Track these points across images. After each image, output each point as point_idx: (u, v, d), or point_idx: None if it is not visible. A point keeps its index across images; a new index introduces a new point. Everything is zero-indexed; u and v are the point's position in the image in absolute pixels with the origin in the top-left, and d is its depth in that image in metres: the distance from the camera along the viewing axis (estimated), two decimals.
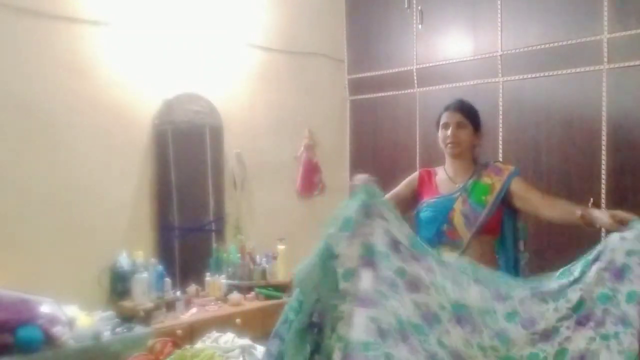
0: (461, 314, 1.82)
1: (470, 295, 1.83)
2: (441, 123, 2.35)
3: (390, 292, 1.82)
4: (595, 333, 1.82)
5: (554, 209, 2.17)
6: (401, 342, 1.76)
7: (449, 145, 2.31)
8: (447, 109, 2.35)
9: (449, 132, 2.30)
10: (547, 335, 1.84)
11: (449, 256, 2.08)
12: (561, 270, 1.87)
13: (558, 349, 1.83)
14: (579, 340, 1.83)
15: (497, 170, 2.31)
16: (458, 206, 2.24)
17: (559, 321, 1.84)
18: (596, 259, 1.83)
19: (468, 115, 2.32)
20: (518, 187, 2.25)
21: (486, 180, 2.28)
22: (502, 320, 1.83)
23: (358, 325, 1.78)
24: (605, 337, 1.81)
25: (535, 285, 1.87)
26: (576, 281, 1.83)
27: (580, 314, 1.84)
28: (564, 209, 2.14)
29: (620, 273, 1.82)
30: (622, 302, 1.81)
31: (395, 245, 1.86)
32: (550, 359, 1.83)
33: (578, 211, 2.02)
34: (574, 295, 1.85)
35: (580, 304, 1.84)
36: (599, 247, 1.84)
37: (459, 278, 1.83)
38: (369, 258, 1.86)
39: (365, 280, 1.84)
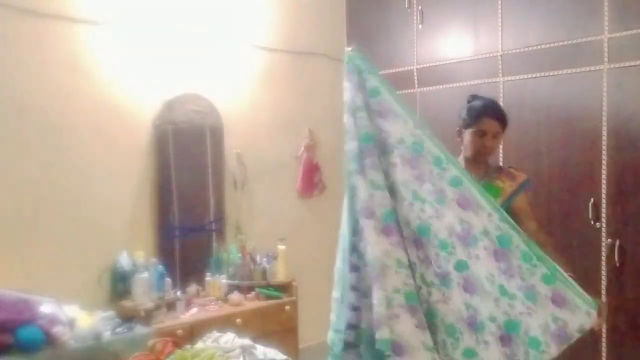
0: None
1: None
2: (478, 128, 2.26)
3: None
4: (500, 277, 1.87)
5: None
6: None
7: (482, 153, 2.28)
8: (486, 114, 2.26)
9: (486, 141, 2.25)
10: (466, 235, 1.88)
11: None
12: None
13: (464, 258, 1.89)
14: (484, 267, 1.87)
15: (511, 176, 2.32)
16: None
17: (482, 233, 1.88)
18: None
19: (503, 123, 2.29)
20: (519, 208, 2.26)
21: (498, 183, 2.28)
22: (447, 181, 1.92)
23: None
24: (503, 290, 1.87)
25: None
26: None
27: (503, 248, 1.87)
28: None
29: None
30: (536, 276, 1.86)
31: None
32: (452, 258, 1.89)
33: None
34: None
35: (507, 240, 1.88)
36: None
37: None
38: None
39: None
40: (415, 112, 2.08)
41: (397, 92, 2.07)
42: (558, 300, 1.86)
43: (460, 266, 1.89)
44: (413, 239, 1.92)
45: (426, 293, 1.91)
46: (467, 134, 2.30)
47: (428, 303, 1.91)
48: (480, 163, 2.32)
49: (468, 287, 1.88)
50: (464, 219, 1.89)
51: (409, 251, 1.91)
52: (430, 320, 1.90)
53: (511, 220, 1.93)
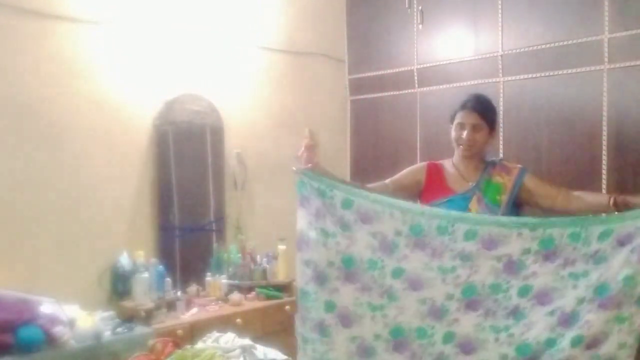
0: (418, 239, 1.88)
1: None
2: (456, 122, 2.27)
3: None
4: (564, 270, 1.83)
5: (578, 202, 2.11)
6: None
7: (463, 147, 2.26)
8: (463, 107, 2.26)
9: (464, 134, 2.24)
10: (511, 266, 1.85)
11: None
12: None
13: (523, 283, 1.85)
14: (545, 275, 1.84)
15: (506, 169, 2.29)
16: (473, 206, 2.19)
17: (524, 254, 1.84)
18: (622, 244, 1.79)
19: (485, 115, 2.25)
20: (534, 184, 2.23)
21: (497, 179, 2.25)
22: (461, 240, 1.86)
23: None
24: (574, 276, 1.82)
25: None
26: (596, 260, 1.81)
27: (549, 250, 1.84)
28: (590, 201, 2.09)
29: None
30: (593, 241, 1.81)
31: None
32: (513, 291, 1.85)
33: (609, 199, 1.99)
34: (390, 312, 1.90)
35: (549, 239, 1.83)
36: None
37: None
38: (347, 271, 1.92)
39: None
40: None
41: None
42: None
43: (396, 272, 1.90)
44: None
45: (390, 315, 1.92)
46: (451, 130, 2.31)
47: (395, 324, 1.92)
48: (471, 158, 2.29)
49: (414, 285, 1.90)
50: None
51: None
52: (402, 336, 1.92)
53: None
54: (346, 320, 1.92)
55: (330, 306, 1.92)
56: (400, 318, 1.91)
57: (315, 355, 1.95)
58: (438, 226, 1.87)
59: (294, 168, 2.00)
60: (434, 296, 1.88)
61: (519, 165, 2.32)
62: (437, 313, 1.89)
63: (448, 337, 1.90)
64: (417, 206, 2.12)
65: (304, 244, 1.94)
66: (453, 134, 2.29)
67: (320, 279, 1.91)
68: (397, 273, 1.90)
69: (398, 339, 1.92)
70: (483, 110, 2.26)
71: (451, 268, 1.88)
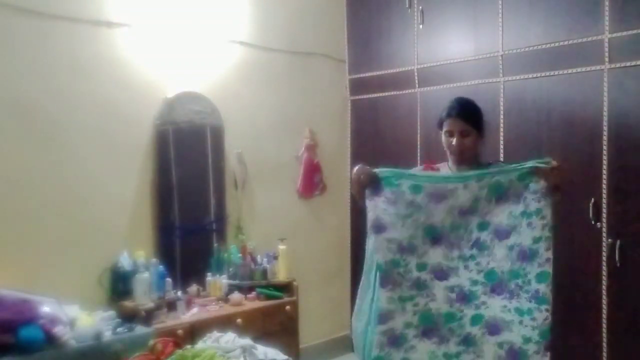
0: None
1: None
2: (444, 130, 2.30)
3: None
4: (510, 304, 2.04)
5: None
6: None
7: (454, 153, 2.29)
8: (448, 115, 2.28)
9: (453, 141, 2.26)
10: (463, 296, 2.09)
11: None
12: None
13: (475, 312, 2.07)
14: (495, 306, 2.05)
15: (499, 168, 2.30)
16: None
17: (473, 285, 2.08)
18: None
19: (471, 120, 2.26)
20: None
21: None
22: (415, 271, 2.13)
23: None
24: (519, 312, 2.02)
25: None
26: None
27: (494, 283, 2.07)
28: None
29: (528, 256, 2.05)
30: (532, 280, 2.03)
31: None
32: (466, 320, 2.08)
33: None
34: (483, 260, 2.09)
35: (492, 272, 2.08)
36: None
37: None
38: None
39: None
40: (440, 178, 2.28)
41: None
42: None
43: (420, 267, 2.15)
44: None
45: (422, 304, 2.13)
46: (441, 136, 2.34)
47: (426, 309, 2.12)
48: (464, 163, 2.30)
49: (439, 275, 2.13)
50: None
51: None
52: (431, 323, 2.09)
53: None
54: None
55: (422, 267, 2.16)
56: (431, 305, 2.10)
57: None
58: (492, 187, 2.15)
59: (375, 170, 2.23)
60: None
61: None
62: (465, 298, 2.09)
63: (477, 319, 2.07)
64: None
65: (382, 227, 2.13)
66: (443, 140, 2.33)
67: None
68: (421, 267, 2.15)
69: (427, 325, 2.09)
70: (468, 115, 2.27)
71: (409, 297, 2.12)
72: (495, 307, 2.04)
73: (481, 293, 2.07)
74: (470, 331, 2.05)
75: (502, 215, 2.10)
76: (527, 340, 1.97)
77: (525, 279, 2.02)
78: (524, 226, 2.05)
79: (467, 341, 2.04)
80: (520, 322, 2.00)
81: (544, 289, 2.00)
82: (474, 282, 2.08)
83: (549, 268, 2.02)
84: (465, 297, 2.07)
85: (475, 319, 2.05)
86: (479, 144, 2.32)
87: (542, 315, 1.98)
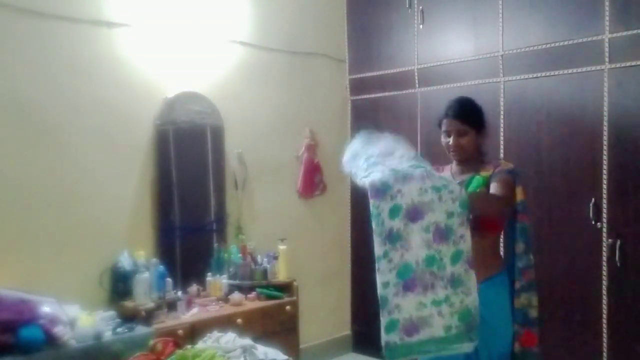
0: None
1: None
2: (443, 130, 2.32)
3: None
4: (425, 298, 1.87)
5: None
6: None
7: (452, 153, 2.30)
8: (446, 115, 2.30)
9: (450, 140, 2.28)
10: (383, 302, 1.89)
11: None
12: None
13: (388, 318, 1.88)
14: (410, 307, 1.87)
15: (496, 164, 2.31)
16: None
17: (384, 287, 1.88)
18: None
19: (468, 120, 2.27)
20: (493, 183, 2.20)
21: (483, 173, 2.26)
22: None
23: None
24: (436, 303, 1.87)
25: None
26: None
27: (407, 279, 1.88)
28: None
29: (443, 235, 1.88)
30: (447, 264, 1.88)
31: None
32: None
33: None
34: (395, 255, 1.88)
35: (406, 267, 1.88)
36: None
37: None
38: None
39: None
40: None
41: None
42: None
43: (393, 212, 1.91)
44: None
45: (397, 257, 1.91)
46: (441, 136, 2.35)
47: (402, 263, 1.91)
48: (464, 162, 2.31)
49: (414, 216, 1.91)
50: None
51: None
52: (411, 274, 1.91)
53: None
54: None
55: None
56: (406, 256, 1.89)
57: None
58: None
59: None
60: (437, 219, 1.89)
61: (511, 165, 2.31)
62: (443, 234, 1.90)
63: (456, 257, 1.91)
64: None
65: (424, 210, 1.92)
66: (442, 140, 2.34)
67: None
68: (395, 212, 1.89)
69: (406, 279, 1.89)
70: (465, 115, 2.28)
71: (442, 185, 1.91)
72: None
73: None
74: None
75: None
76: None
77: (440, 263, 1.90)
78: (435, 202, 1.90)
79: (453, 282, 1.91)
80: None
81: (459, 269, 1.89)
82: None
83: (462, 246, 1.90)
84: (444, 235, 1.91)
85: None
86: (480, 143, 2.32)
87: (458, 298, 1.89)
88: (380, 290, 1.89)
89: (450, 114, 2.28)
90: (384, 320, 1.89)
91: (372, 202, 1.89)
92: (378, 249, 1.90)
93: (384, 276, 1.89)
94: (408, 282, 1.88)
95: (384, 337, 1.89)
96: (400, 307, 1.88)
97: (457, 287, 1.90)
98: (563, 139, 3.34)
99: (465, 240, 1.91)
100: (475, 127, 2.28)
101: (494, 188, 2.19)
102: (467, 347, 1.92)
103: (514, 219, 2.26)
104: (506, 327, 2.22)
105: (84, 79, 3.17)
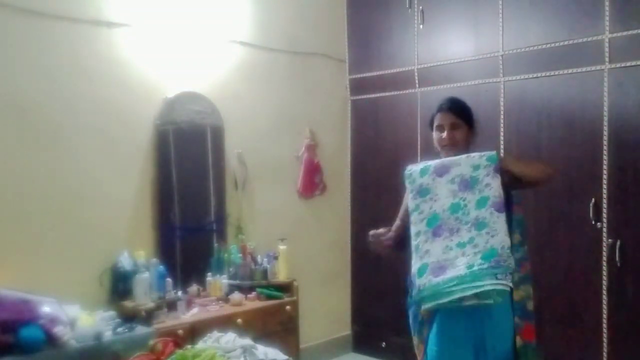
0: None
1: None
2: (435, 125, 2.36)
3: None
4: (451, 242, 2.05)
5: None
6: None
7: (445, 147, 2.32)
8: (439, 110, 2.36)
9: (444, 134, 2.31)
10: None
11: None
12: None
13: (420, 263, 2.07)
14: (437, 251, 2.06)
15: None
16: None
17: (417, 236, 2.10)
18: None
19: (461, 114, 2.33)
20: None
21: None
22: None
23: None
24: (461, 245, 2.03)
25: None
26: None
27: (435, 227, 2.09)
28: None
29: (468, 185, 2.06)
30: (472, 209, 2.04)
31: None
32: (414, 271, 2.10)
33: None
34: (425, 206, 2.11)
35: (434, 216, 2.09)
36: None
37: None
38: None
39: None
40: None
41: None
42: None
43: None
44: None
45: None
46: (432, 135, 2.39)
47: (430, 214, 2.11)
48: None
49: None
50: None
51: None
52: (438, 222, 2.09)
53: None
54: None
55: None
56: (434, 207, 2.10)
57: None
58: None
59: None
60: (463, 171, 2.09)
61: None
62: (468, 184, 2.07)
63: (481, 202, 2.04)
64: None
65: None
66: (434, 137, 2.37)
67: None
68: (424, 171, 2.16)
69: (434, 227, 2.08)
70: (458, 109, 2.34)
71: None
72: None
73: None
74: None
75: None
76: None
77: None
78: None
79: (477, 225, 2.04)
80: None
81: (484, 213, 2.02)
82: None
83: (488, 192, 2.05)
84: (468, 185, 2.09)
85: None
86: (470, 139, 2.36)
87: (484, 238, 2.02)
88: (413, 239, 2.10)
89: (445, 107, 2.35)
90: (415, 266, 2.06)
91: (407, 168, 2.18)
92: (411, 203, 2.14)
93: (416, 227, 2.10)
94: (436, 229, 2.07)
95: (417, 282, 2.04)
96: (429, 252, 2.05)
97: (481, 229, 2.01)
98: (563, 139, 3.34)
99: (491, 187, 2.04)
100: (467, 122, 2.34)
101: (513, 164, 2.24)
102: (490, 284, 1.96)
103: (510, 210, 2.26)
104: (509, 321, 2.22)
105: (84, 79, 3.17)
